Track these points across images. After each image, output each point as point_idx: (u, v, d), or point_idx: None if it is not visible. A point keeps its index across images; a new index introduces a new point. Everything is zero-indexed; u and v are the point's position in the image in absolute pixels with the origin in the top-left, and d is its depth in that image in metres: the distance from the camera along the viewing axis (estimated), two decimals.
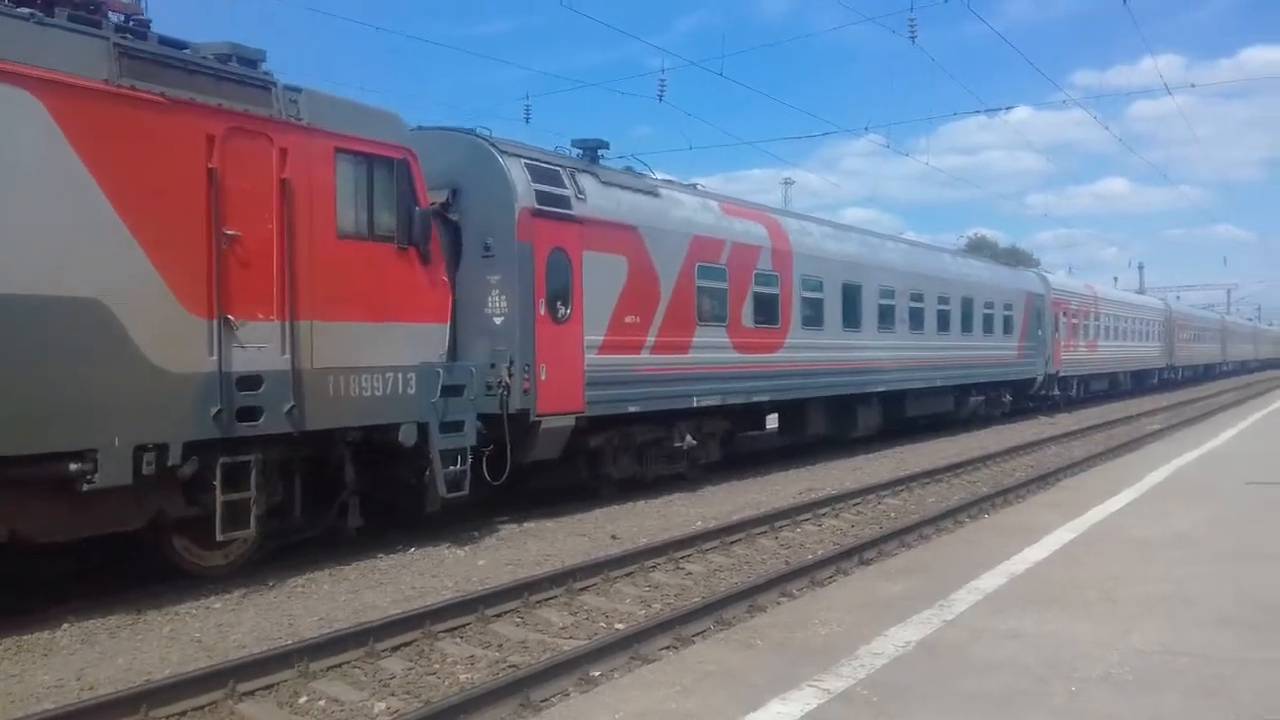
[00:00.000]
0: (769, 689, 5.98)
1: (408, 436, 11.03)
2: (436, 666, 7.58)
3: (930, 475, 17.81)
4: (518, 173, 13.03)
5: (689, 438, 16.14)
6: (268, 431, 9.62)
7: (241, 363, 9.37)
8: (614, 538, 12.22)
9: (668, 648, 7.88)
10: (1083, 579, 8.53)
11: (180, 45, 9.25)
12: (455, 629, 8.36)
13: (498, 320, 12.96)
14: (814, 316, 19.86)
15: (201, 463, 9.20)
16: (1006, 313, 30.02)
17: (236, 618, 8.78)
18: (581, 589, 9.69)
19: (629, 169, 16.49)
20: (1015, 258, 63.66)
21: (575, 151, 15.17)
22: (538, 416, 13.04)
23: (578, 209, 13.86)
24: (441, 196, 12.95)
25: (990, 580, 8.59)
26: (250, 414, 9.47)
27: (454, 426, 11.63)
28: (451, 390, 11.57)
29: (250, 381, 9.46)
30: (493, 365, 12.84)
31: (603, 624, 8.76)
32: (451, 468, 11.63)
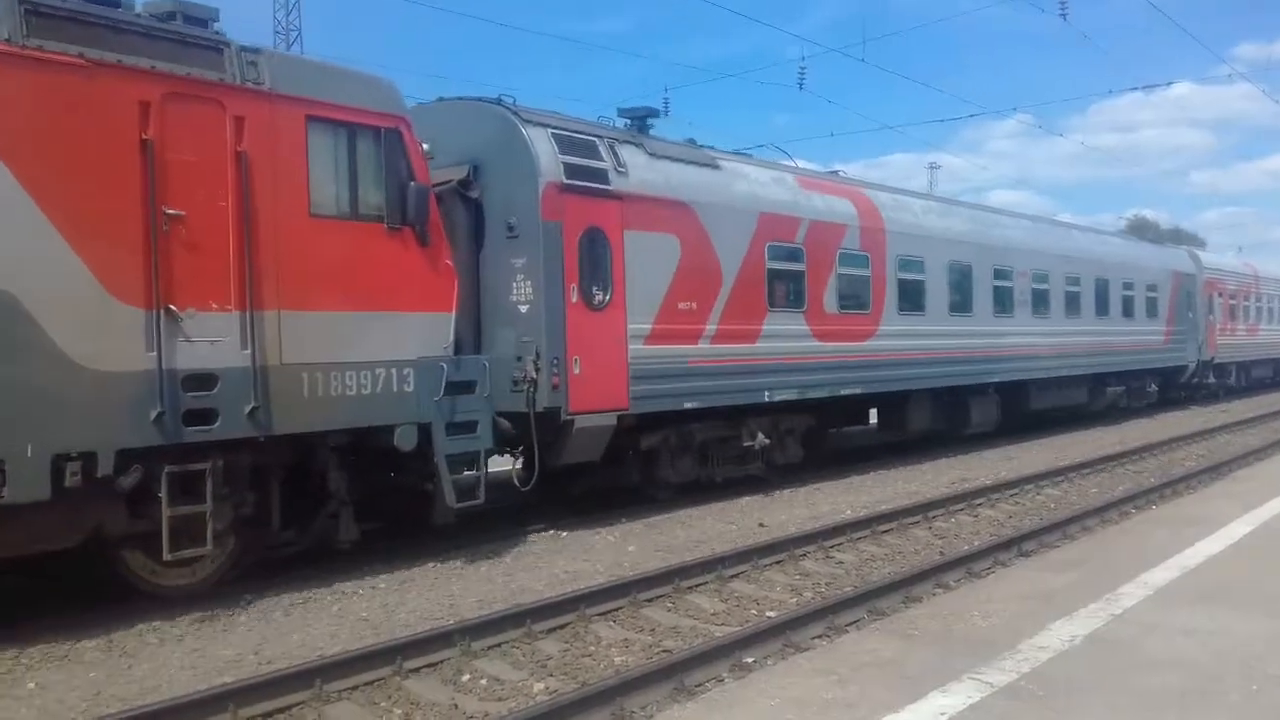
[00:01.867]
0: (928, 680, 5.94)
1: (405, 439, 9.82)
2: (591, 649, 7.69)
3: (1091, 465, 17.10)
4: (542, 144, 11.68)
5: (760, 436, 14.49)
6: (225, 436, 8.53)
7: (189, 359, 8.29)
8: (762, 525, 12.26)
9: (821, 636, 7.82)
10: (1262, 574, 8.33)
11: (114, 3, 8.22)
12: (608, 612, 8.49)
13: (523, 308, 11.64)
14: (914, 300, 17.89)
15: (147, 472, 8.16)
16: (1150, 294, 27.15)
17: (400, 598, 9.05)
18: (732, 576, 9.71)
19: (691, 141, 14.94)
20: (1178, 239, 59.28)
21: (625, 122, 13.72)
22: (570, 415, 11.67)
23: (618, 184, 12.42)
24: (461, 173, 11.74)
25: (1161, 574, 8.42)
26: (202, 417, 8.39)
27: (464, 428, 10.36)
28: (460, 387, 10.31)
29: (201, 380, 8.37)
30: (518, 358, 11.53)
31: (754, 611, 8.77)
32: (463, 474, 10.38)
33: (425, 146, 11.90)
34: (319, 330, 9.16)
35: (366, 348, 9.51)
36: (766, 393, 14.51)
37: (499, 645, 7.59)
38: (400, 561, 10.21)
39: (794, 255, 15.21)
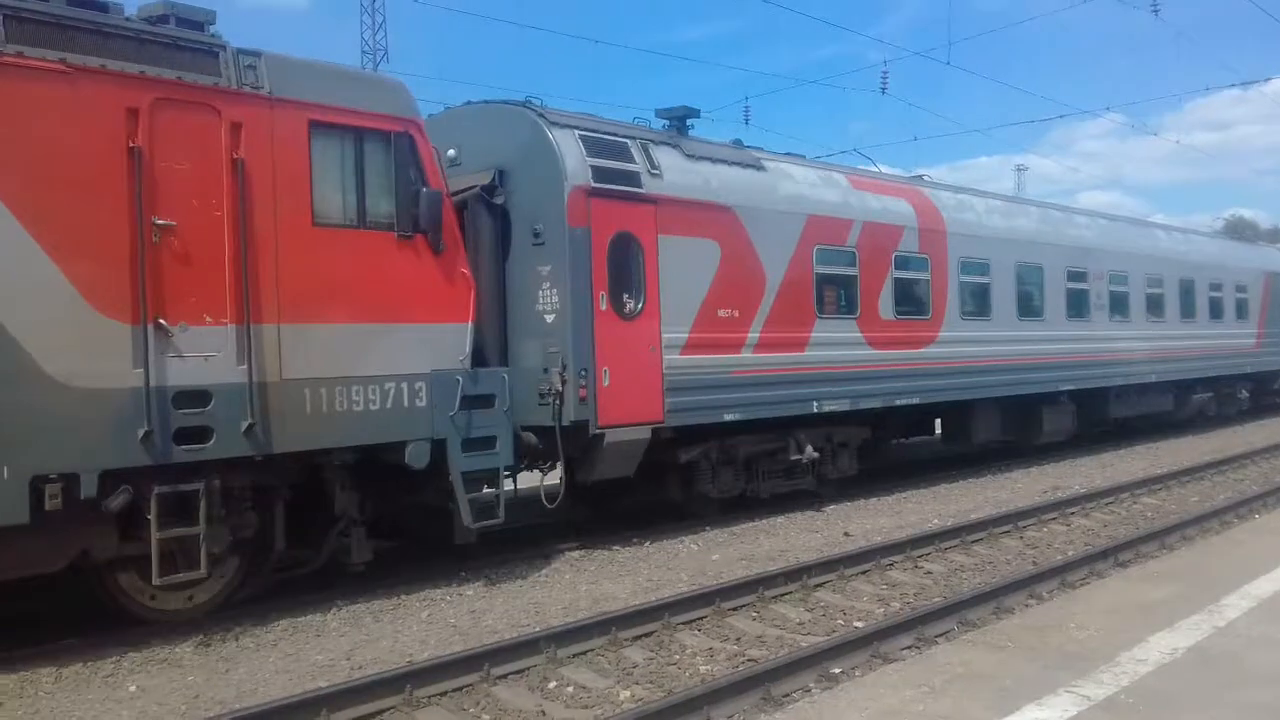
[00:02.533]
0: (1023, 693, 5.88)
1: (417, 457, 9.38)
2: (676, 657, 7.68)
3: (1189, 473, 16.65)
4: (568, 146, 11.17)
5: (809, 449, 13.79)
6: (220, 456, 8.17)
7: (181, 375, 7.95)
8: (847, 535, 12.14)
9: (910, 647, 7.73)
10: None
11: (102, 7, 7.93)
12: (692, 621, 8.50)
13: (549, 318, 11.14)
14: (978, 305, 17.00)
15: (138, 493, 7.83)
16: (1240, 295, 25.68)
17: (487, 604, 9.15)
18: (817, 585, 9.62)
19: (738, 142, 14.31)
20: (1278, 238, 56.65)
21: (663, 123, 13.15)
22: (600, 428, 11.13)
23: (651, 187, 11.86)
24: (485, 178, 11.29)
25: (1267, 585, 8.27)
26: (196, 435, 8.04)
27: (481, 444, 9.89)
28: (477, 401, 9.85)
29: (194, 397, 8.02)
30: (545, 370, 11.04)
31: (840, 621, 8.67)
32: (482, 492, 9.92)
33: (451, 152, 11.58)
34: (323, 344, 8.77)
35: (375, 361, 9.10)
36: (815, 403, 13.80)
37: (585, 653, 7.65)
38: (487, 569, 10.33)
39: (845, 259, 14.48)
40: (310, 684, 6.97)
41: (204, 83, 8.16)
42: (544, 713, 6.56)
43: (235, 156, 8.24)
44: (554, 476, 11.64)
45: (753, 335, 12.95)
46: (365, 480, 9.59)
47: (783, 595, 9.27)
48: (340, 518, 9.36)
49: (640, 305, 11.66)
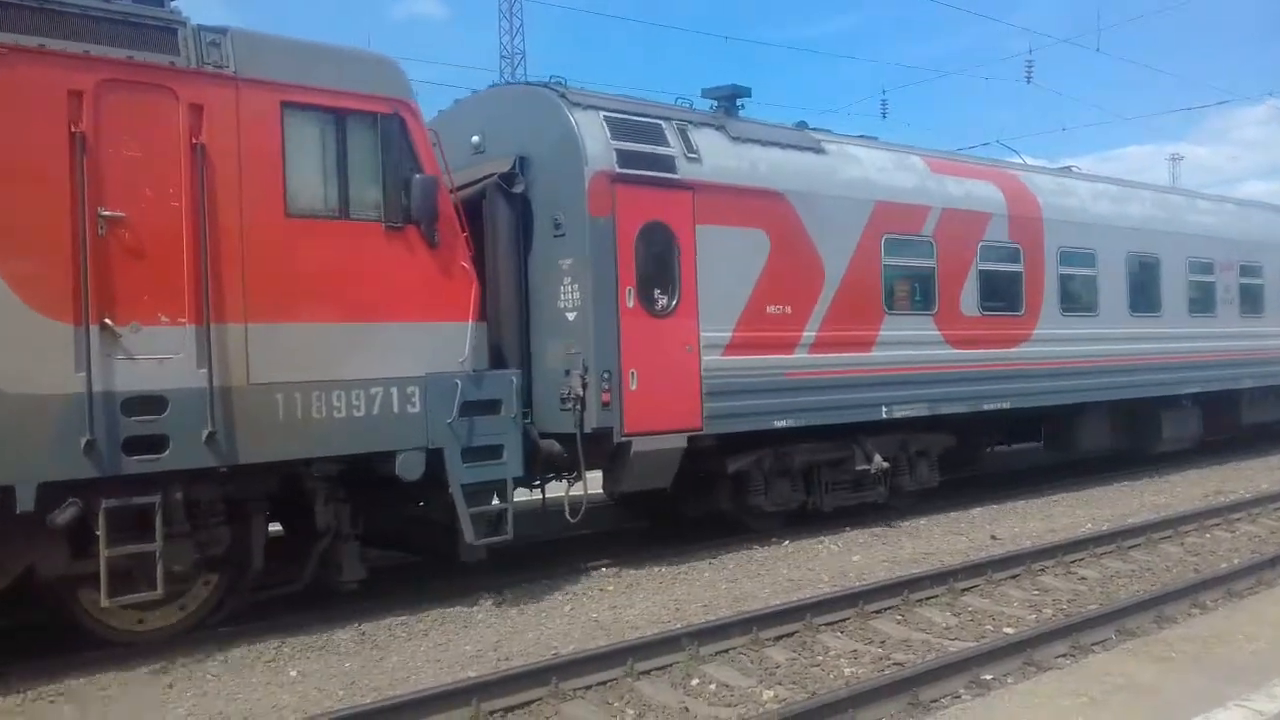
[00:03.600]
0: (1189, 706, 5.76)
1: (409, 468, 8.62)
2: (819, 659, 7.57)
3: None
4: (590, 128, 10.24)
5: (878, 458, 12.53)
6: (178, 466, 7.55)
7: (131, 380, 7.34)
8: (994, 538, 11.84)
9: (1065, 655, 7.48)
10: None
11: None
12: (835, 623, 8.35)
13: (570, 315, 10.24)
14: (1081, 299, 15.38)
15: (91, 506, 7.26)
16: None
17: (628, 599, 9.25)
18: (964, 589, 9.36)
19: (802, 124, 13.17)
20: None
21: (710, 103, 12.11)
22: (626, 436, 10.17)
23: (688, 172, 10.84)
24: (505, 165, 10.47)
25: None
26: (150, 445, 7.42)
27: (485, 453, 9.08)
28: (480, 406, 9.03)
29: (147, 404, 7.41)
30: (567, 372, 10.15)
31: (989, 626, 8.42)
32: (489, 505, 9.10)
33: (475, 139, 10.85)
34: (298, 345, 8.08)
35: (360, 364, 8.37)
36: (884, 408, 12.55)
37: (726, 651, 7.62)
38: (627, 565, 10.43)
39: (920, 249, 13.17)
40: (460, 674, 7.17)
41: (158, 62, 7.54)
42: (687, 709, 6.54)
43: (195, 142, 7.61)
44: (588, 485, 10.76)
45: (808, 334, 11.80)
46: (358, 492, 8.88)
47: (928, 599, 9.04)
48: (325, 533, 8.66)
49: (674, 301, 10.65)
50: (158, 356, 7.45)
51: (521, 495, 10.21)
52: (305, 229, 8.16)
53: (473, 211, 9.87)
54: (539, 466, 10.20)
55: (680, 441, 10.64)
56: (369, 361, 8.41)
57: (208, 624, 8.37)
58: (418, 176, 8.60)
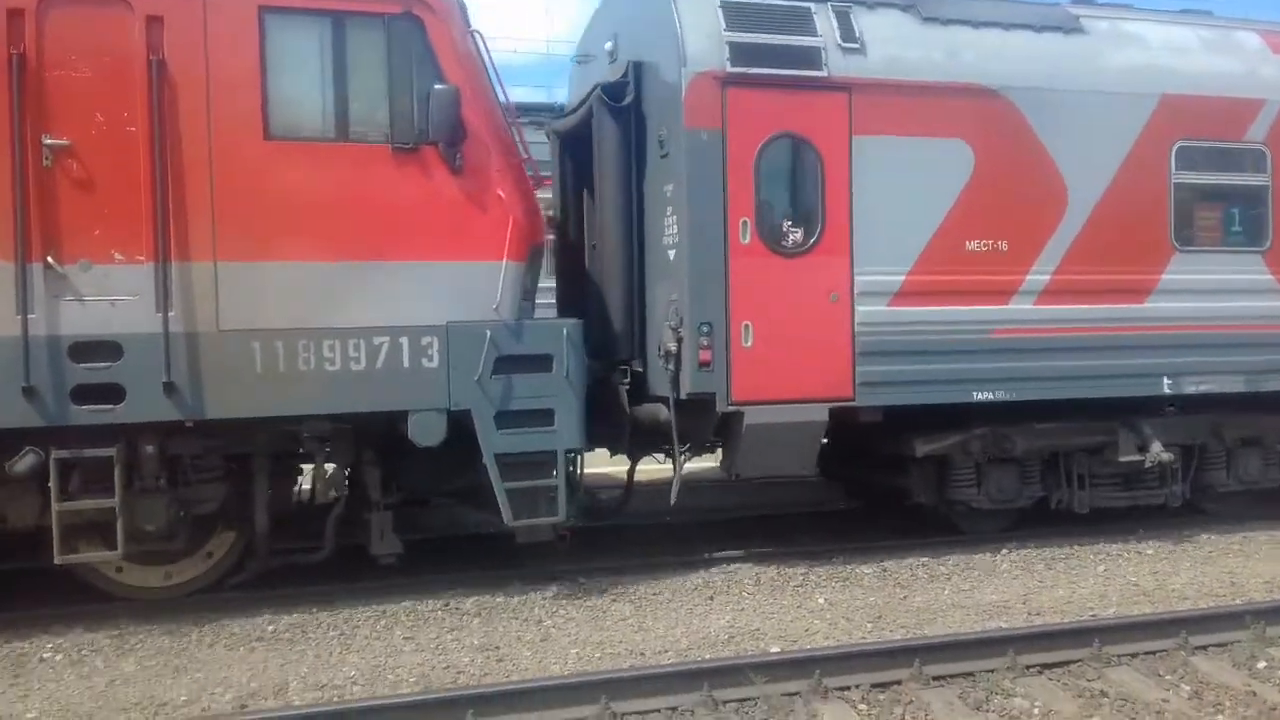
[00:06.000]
0: None
1: (424, 432, 7.39)
2: None
3: None
4: (696, 16, 8.17)
5: (1156, 447, 9.23)
6: (135, 419, 6.89)
7: (80, 323, 6.77)
8: None
9: None
10: None
11: None
12: None
13: (671, 254, 8.36)
14: None
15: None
16: None
17: (1171, 566, 8.61)
18: None
19: None
20: None
21: None
22: (734, 404, 8.14)
23: (842, 67, 8.38)
24: (617, 74, 8.78)
25: None
26: (104, 394, 6.83)
27: (529, 418, 7.59)
28: (521, 363, 7.56)
29: (99, 349, 6.81)
30: (669, 324, 8.32)
31: None
32: (533, 481, 7.62)
33: (608, 45, 9.27)
34: (281, 287, 7.11)
35: (359, 310, 7.24)
36: (1166, 380, 9.20)
37: None
38: (1169, 528, 9.56)
39: (1243, 160, 9.48)
40: (987, 622, 7.06)
41: None
42: (1255, 693, 5.90)
43: (153, 58, 6.82)
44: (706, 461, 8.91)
45: (1035, 277, 8.83)
46: (392, 457, 7.81)
47: None
48: (336, 504, 7.69)
49: (815, 237, 8.33)
50: (111, 298, 6.82)
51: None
52: (290, 153, 7.13)
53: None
54: (635, 436, 8.53)
55: (819, 414, 8.36)
56: (371, 307, 7.25)
57: (227, 584, 7.77)
58: (436, 87, 7.20)
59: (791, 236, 8.29)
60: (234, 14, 7.00)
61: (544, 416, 7.62)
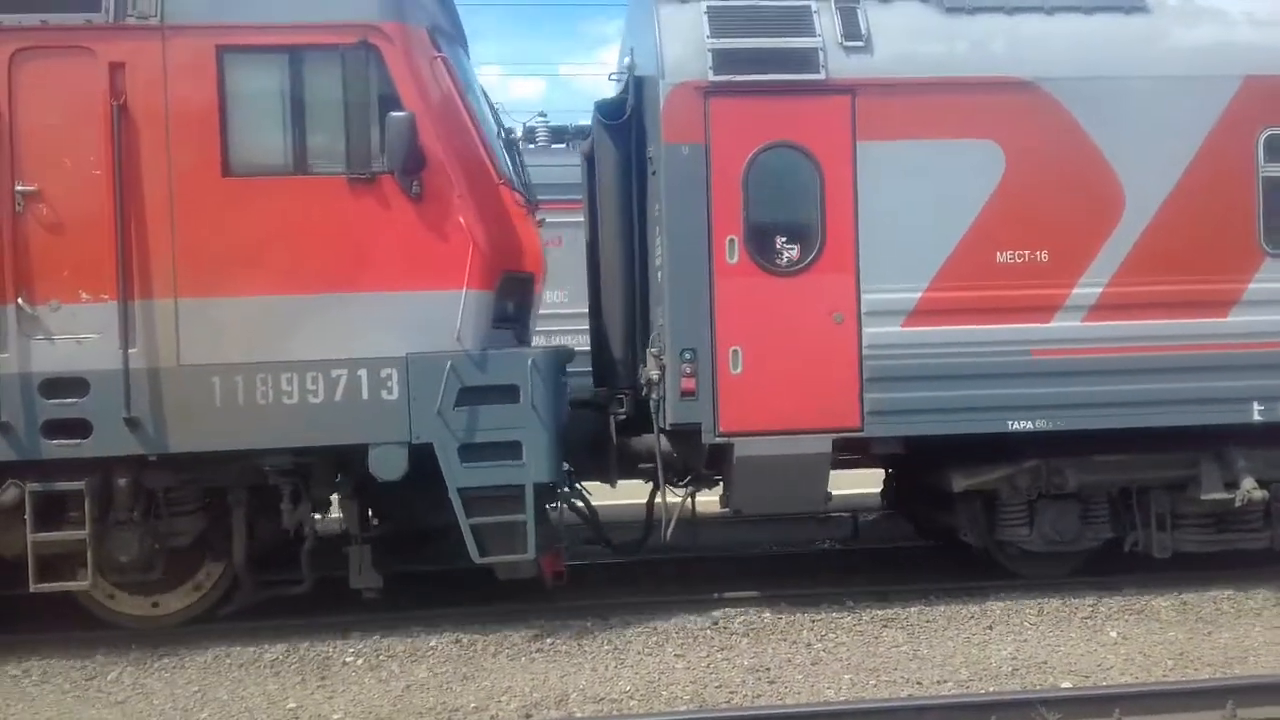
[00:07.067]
0: None
1: (385, 466, 7.27)
2: None
3: None
4: (677, 25, 7.68)
5: (1248, 483, 7.96)
6: (101, 454, 7.10)
7: (50, 360, 7.04)
8: None
9: None
10: None
11: None
12: None
13: (659, 275, 7.89)
14: None
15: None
16: None
17: None
18: None
19: None
20: None
21: None
22: (722, 436, 7.57)
23: (843, 68, 7.68)
24: (619, 89, 8.44)
25: None
26: (73, 429, 7.07)
27: (495, 451, 7.33)
28: (485, 394, 7.31)
29: (67, 385, 7.06)
30: (651, 350, 7.87)
31: None
32: (501, 516, 7.36)
33: (627, 60, 8.95)
34: (239, 321, 7.17)
35: (316, 342, 7.20)
36: (1259, 405, 7.92)
37: None
38: None
39: None
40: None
41: (73, 23, 7.06)
42: None
43: (115, 103, 7.03)
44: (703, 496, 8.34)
45: (1084, 290, 7.80)
46: (368, 490, 7.73)
47: None
48: (305, 535, 7.65)
49: (814, 254, 7.65)
50: (77, 336, 7.06)
51: None
52: (247, 189, 7.18)
53: None
54: (632, 468, 8.11)
55: (822, 445, 7.66)
56: (329, 339, 7.20)
57: (216, 615, 7.89)
58: (390, 115, 7.08)
59: (786, 254, 7.66)
60: (193, 55, 7.12)
61: (511, 449, 7.34)
